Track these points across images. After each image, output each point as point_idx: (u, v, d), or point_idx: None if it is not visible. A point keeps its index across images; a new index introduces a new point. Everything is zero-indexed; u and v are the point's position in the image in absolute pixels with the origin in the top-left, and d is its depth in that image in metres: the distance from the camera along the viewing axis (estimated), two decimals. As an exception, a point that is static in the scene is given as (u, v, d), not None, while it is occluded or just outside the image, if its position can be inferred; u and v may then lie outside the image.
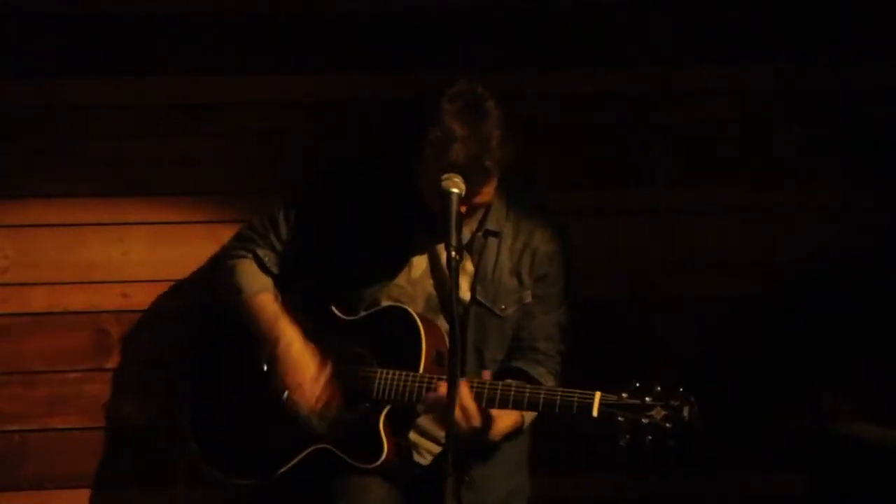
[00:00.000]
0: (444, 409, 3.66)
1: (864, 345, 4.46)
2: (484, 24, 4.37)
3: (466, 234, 3.92)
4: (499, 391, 3.75)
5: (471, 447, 3.85)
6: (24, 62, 4.26)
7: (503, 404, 3.76)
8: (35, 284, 4.33)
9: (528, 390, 3.74)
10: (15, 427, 4.36)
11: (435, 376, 3.79)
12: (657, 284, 4.50)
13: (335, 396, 3.88)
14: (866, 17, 4.46)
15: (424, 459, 3.97)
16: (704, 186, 4.49)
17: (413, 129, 3.78)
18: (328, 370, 3.88)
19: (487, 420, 3.79)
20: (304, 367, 3.88)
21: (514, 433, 3.91)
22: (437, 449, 3.94)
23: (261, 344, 3.93)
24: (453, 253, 3.55)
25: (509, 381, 3.81)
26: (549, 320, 4.00)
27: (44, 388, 4.36)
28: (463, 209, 3.77)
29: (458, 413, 3.66)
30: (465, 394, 3.72)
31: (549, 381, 3.94)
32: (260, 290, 3.97)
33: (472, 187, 3.72)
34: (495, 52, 4.37)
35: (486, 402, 3.77)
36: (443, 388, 3.69)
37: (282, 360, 3.89)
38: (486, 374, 3.86)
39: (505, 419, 3.84)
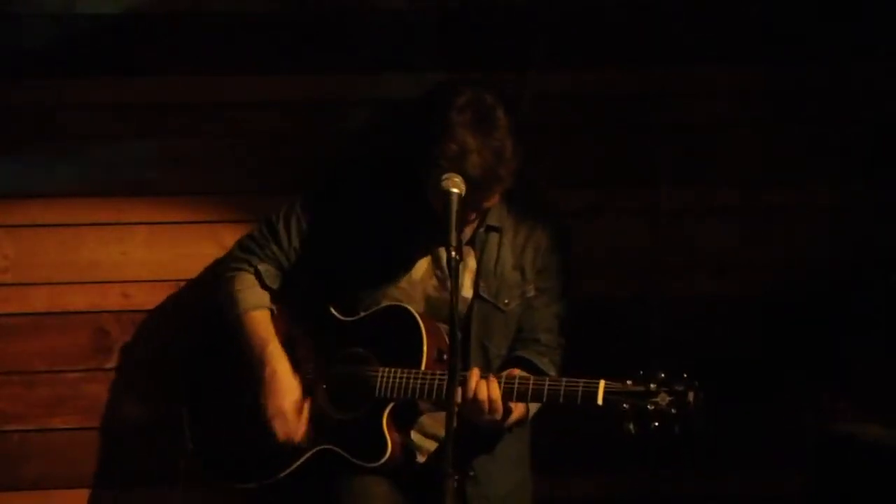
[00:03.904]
0: (474, 405, 3.72)
1: (864, 345, 4.46)
2: (484, 24, 4.37)
3: (468, 232, 3.93)
4: (502, 383, 3.77)
5: (473, 443, 3.86)
6: (23, 62, 4.26)
7: (507, 396, 3.77)
8: (35, 284, 4.33)
9: (531, 381, 3.75)
10: (15, 427, 4.36)
11: (438, 373, 3.79)
12: (657, 284, 4.50)
13: (326, 415, 3.90)
14: (866, 17, 4.46)
15: (424, 458, 3.96)
16: (704, 186, 4.50)
17: (417, 132, 3.77)
18: (309, 402, 3.90)
19: (507, 412, 3.80)
20: (286, 394, 3.88)
21: (519, 424, 3.92)
22: (437, 447, 3.94)
23: (250, 364, 3.93)
24: (453, 253, 3.54)
25: (514, 372, 3.82)
26: (550, 312, 4.01)
27: (44, 388, 4.35)
28: (473, 216, 3.80)
29: (484, 406, 3.73)
30: (494, 387, 3.74)
31: (552, 372, 3.94)
32: (254, 306, 3.96)
33: (484, 194, 3.74)
34: (495, 52, 4.37)
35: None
36: (473, 384, 3.73)
37: (267, 385, 3.89)
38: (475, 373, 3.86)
39: (515, 411, 3.85)
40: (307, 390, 3.91)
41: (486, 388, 3.74)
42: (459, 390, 3.73)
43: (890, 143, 4.50)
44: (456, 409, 3.53)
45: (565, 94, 4.41)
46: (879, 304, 4.47)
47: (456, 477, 3.55)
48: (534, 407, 3.91)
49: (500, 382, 3.76)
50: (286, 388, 3.89)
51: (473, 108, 3.73)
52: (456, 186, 3.63)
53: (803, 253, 4.52)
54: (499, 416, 3.76)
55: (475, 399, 3.74)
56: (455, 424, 3.52)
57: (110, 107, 4.31)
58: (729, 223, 4.51)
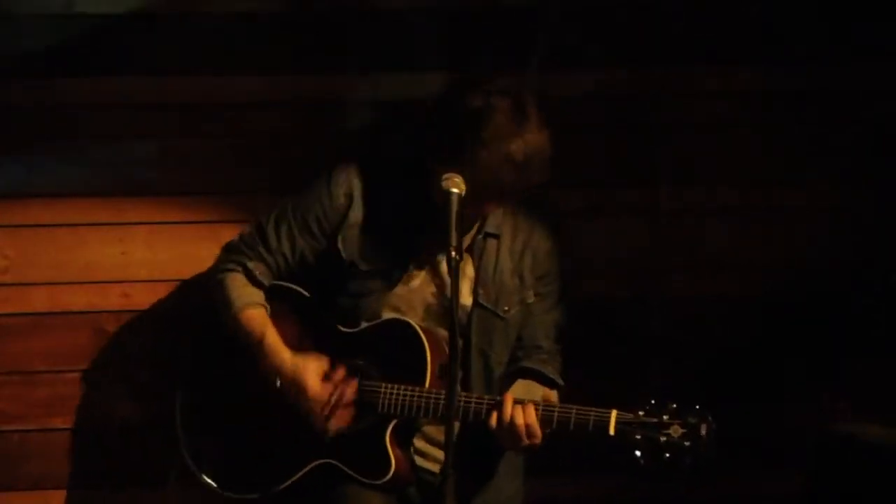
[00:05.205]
0: (511, 432, 3.69)
1: (863, 345, 4.47)
2: (484, 24, 4.37)
3: (466, 239, 3.90)
4: (540, 410, 3.72)
5: (471, 451, 3.85)
6: (23, 62, 4.26)
7: (546, 424, 3.72)
8: (35, 284, 4.33)
9: (553, 408, 3.72)
10: (15, 427, 4.36)
11: (443, 392, 3.71)
12: (657, 284, 4.50)
13: (343, 397, 3.83)
14: (866, 17, 4.46)
15: (428, 464, 3.94)
16: (704, 186, 4.50)
17: (438, 132, 3.74)
18: (335, 375, 3.83)
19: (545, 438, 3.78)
20: (301, 389, 3.82)
21: None
22: (441, 454, 3.88)
23: (253, 363, 3.88)
24: (453, 253, 3.50)
25: (551, 398, 3.80)
26: (550, 318, 3.99)
27: (44, 388, 4.35)
28: (491, 208, 3.79)
29: (521, 432, 3.68)
30: (530, 413, 3.70)
31: (559, 380, 3.93)
32: (248, 304, 3.89)
33: (503, 201, 3.75)
34: (495, 52, 4.36)
35: (481, 416, 3.76)
36: (508, 410, 3.69)
37: (281, 379, 3.84)
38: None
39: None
40: (329, 363, 3.83)
41: (521, 414, 3.69)
42: (494, 415, 3.71)
43: (890, 143, 4.50)
44: (452, 426, 3.47)
45: (565, 94, 4.41)
46: (879, 304, 4.47)
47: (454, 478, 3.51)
48: None
49: (537, 409, 3.71)
50: (301, 379, 3.81)
51: (530, 99, 3.73)
52: (456, 186, 3.60)
53: (803, 253, 4.52)
54: (538, 441, 3.72)
55: (512, 425, 3.69)
56: (456, 426, 3.51)
57: (110, 107, 4.31)
58: (729, 223, 4.51)
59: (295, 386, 3.84)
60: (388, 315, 3.88)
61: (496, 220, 3.94)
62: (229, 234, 4.18)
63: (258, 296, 3.93)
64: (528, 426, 3.69)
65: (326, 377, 3.84)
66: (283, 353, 3.86)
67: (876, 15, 4.44)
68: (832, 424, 4.30)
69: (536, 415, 3.70)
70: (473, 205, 3.72)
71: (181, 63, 4.31)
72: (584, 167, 4.45)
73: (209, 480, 3.96)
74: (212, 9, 4.30)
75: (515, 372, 3.94)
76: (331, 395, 3.82)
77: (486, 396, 3.77)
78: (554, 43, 4.38)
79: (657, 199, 4.49)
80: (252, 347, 3.88)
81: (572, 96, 4.40)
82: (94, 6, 4.25)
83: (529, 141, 3.70)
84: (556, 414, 3.70)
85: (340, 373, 3.84)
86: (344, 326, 3.90)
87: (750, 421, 4.45)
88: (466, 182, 3.62)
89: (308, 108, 4.36)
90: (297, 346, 3.90)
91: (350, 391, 3.84)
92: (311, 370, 3.84)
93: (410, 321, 3.84)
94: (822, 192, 4.52)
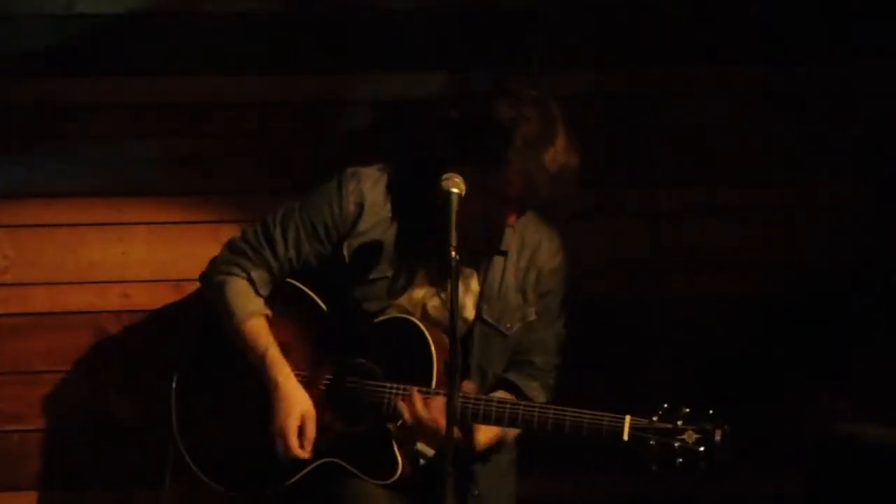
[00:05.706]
0: (416, 422, 3.68)
1: (863, 345, 4.46)
2: (484, 24, 4.37)
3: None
4: (529, 411, 3.71)
5: (468, 453, 3.84)
6: (23, 62, 4.26)
7: (525, 424, 3.72)
8: (35, 284, 4.33)
9: (565, 413, 3.68)
10: (15, 427, 4.36)
11: (418, 388, 3.73)
12: (657, 284, 4.50)
13: (330, 427, 3.82)
14: (866, 17, 4.46)
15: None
16: (704, 186, 4.50)
17: (464, 140, 3.72)
18: (317, 410, 3.80)
19: (469, 435, 3.77)
20: (291, 409, 3.79)
21: (497, 447, 3.89)
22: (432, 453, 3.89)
23: (253, 371, 3.86)
24: (453, 253, 3.48)
25: (499, 394, 3.79)
26: (549, 334, 3.97)
27: (44, 388, 4.36)
28: (513, 220, 3.76)
29: (425, 425, 3.68)
30: (436, 407, 3.67)
31: (540, 397, 3.90)
32: (251, 314, 3.85)
33: (518, 211, 3.73)
34: (495, 52, 4.37)
35: (491, 419, 3.75)
36: (417, 400, 3.68)
37: (271, 397, 3.81)
38: (468, 386, 3.80)
39: (486, 433, 3.81)
40: (314, 401, 3.82)
41: (425, 407, 3.69)
42: (405, 407, 3.70)
43: (890, 143, 4.50)
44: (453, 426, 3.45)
45: (565, 94, 4.40)
46: (879, 304, 4.47)
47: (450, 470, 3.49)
48: (512, 431, 3.86)
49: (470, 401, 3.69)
50: (291, 403, 3.79)
51: (558, 109, 3.72)
52: (456, 186, 3.58)
53: (803, 253, 4.52)
54: (439, 436, 3.64)
55: (418, 417, 3.68)
56: (456, 425, 3.50)
57: (111, 107, 4.32)
58: (729, 223, 4.51)
59: (278, 413, 3.80)
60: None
61: (503, 236, 3.90)
62: (229, 234, 4.17)
63: (260, 304, 3.88)
64: (432, 419, 3.66)
65: (301, 432, 3.79)
66: (280, 374, 3.81)
67: (876, 15, 4.44)
68: (832, 424, 4.30)
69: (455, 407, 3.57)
70: (495, 215, 3.73)
71: (181, 63, 4.31)
72: (584, 167, 4.44)
73: (210, 480, 3.95)
74: (212, 9, 4.30)
75: (499, 383, 3.92)
76: (298, 443, 3.79)
77: (442, 391, 3.72)
78: (554, 43, 4.38)
79: (657, 199, 4.49)
80: (253, 360, 3.85)
81: (572, 96, 4.39)
82: (94, 6, 4.26)
83: (561, 152, 3.68)
84: (551, 417, 3.69)
85: (311, 430, 3.79)
86: (346, 325, 3.88)
87: (750, 421, 4.44)
88: (490, 193, 3.64)
89: (308, 108, 4.36)
90: (299, 345, 3.89)
91: (309, 447, 3.80)
92: (294, 415, 3.78)
93: (413, 319, 3.82)
94: (822, 192, 4.52)
